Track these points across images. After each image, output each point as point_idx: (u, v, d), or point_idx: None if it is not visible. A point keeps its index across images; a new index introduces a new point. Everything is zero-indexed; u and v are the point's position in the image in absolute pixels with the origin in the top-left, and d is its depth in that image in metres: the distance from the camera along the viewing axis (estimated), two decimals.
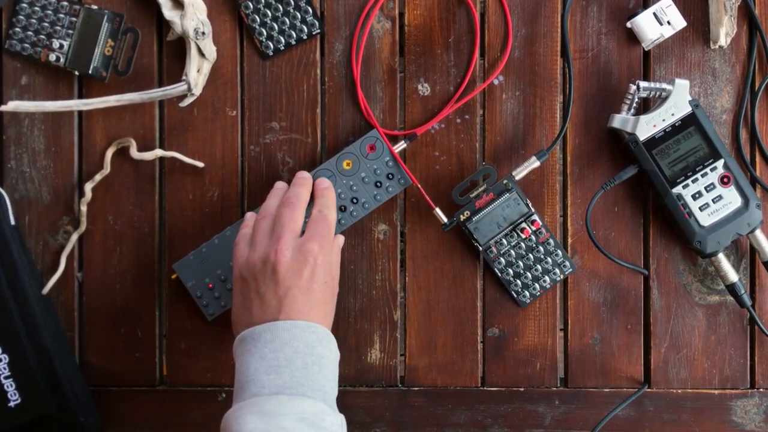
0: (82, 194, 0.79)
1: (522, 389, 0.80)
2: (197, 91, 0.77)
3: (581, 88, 0.80)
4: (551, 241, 0.79)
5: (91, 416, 0.79)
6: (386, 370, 0.80)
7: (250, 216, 0.75)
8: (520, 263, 0.79)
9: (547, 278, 0.79)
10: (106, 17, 0.77)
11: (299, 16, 0.79)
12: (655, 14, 0.77)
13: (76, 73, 0.79)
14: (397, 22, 0.80)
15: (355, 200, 0.78)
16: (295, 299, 0.67)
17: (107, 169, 0.79)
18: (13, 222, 0.79)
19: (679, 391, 0.80)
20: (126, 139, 0.80)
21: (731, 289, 0.78)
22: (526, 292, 0.80)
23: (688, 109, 0.76)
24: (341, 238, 0.76)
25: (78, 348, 0.81)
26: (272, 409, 0.62)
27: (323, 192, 0.74)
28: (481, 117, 0.80)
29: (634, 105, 0.77)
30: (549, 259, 0.79)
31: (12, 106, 0.75)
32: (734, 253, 0.80)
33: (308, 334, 0.66)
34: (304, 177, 0.75)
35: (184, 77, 0.76)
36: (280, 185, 0.76)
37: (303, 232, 0.71)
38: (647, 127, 0.76)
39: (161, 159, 0.80)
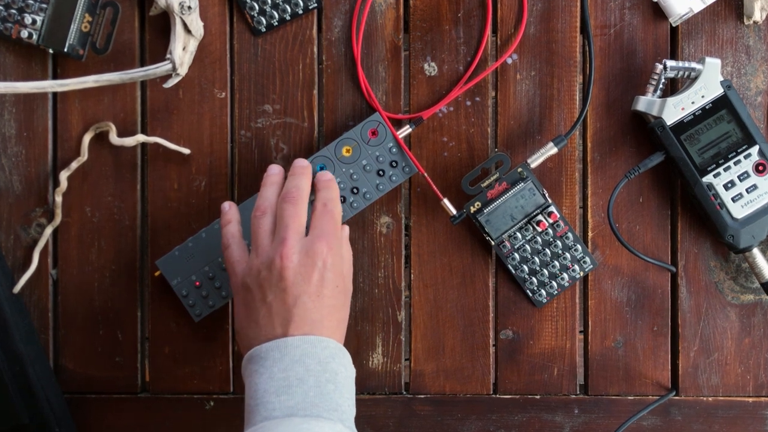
0: (56, 184, 0.79)
1: (538, 397, 0.79)
2: (183, 70, 0.76)
3: (603, 67, 0.78)
4: (570, 234, 0.77)
5: (67, 426, 0.78)
6: (390, 376, 0.79)
7: (228, 207, 0.72)
8: (536, 259, 0.77)
9: (565, 276, 0.78)
10: None
11: None
12: None
13: (51, 51, 0.77)
14: None
15: (355, 190, 0.76)
16: (305, 308, 0.65)
17: (84, 156, 0.78)
18: None
19: (710, 398, 0.79)
20: (105, 123, 0.78)
21: (767, 287, 0.76)
22: (543, 291, 0.78)
23: (719, 91, 0.74)
24: (346, 229, 0.73)
25: (52, 352, 0.80)
26: None
27: (327, 184, 0.72)
28: (494, 99, 0.79)
29: (661, 86, 0.75)
30: (567, 255, 0.77)
31: None
32: None
33: (320, 349, 0.64)
34: (303, 166, 0.72)
35: (168, 56, 0.75)
36: (274, 171, 0.73)
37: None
38: (675, 110, 0.74)
39: (143, 145, 0.79)
